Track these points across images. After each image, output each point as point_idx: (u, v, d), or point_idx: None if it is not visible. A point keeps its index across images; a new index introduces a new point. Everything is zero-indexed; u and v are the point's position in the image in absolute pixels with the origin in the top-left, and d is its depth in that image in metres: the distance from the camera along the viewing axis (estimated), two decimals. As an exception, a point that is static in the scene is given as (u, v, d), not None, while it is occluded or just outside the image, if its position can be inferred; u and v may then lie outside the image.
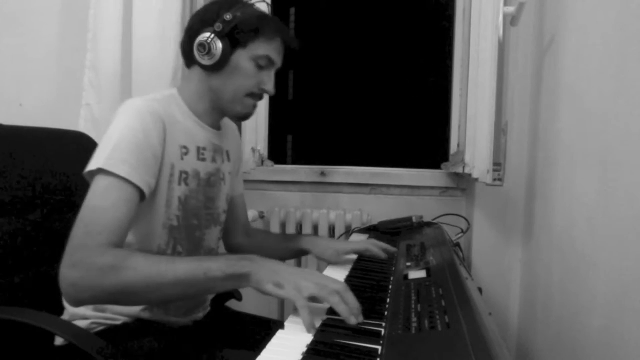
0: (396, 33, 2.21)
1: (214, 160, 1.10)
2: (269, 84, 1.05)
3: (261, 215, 1.88)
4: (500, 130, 1.43)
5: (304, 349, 0.66)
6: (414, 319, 0.74)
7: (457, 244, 1.51)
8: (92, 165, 0.87)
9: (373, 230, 1.60)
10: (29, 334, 0.94)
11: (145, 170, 0.90)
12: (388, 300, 0.87)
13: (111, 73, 1.62)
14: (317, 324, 0.75)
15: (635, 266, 0.86)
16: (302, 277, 0.79)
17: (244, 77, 1.02)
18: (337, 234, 1.80)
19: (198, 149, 1.05)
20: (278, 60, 1.06)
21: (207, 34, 0.98)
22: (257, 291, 0.80)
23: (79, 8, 1.73)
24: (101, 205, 0.84)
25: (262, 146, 1.89)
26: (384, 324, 0.75)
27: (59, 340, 0.98)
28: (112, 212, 0.84)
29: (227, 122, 1.20)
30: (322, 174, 1.90)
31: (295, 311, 0.77)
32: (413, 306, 0.80)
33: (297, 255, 1.29)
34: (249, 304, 1.29)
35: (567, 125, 1.26)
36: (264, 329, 1.13)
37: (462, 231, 1.58)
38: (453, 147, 1.84)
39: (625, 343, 0.90)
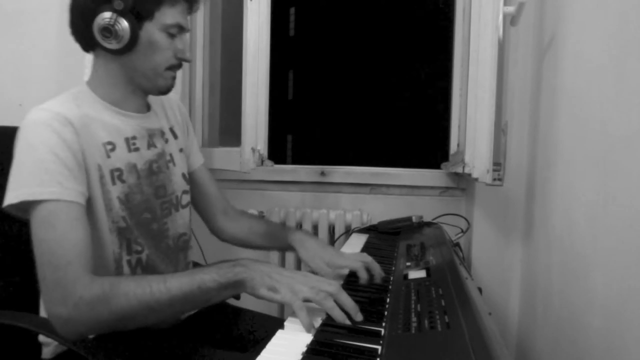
0: (396, 33, 2.21)
1: (151, 145, 1.02)
2: (186, 52, 0.99)
3: (261, 215, 1.88)
4: (500, 130, 1.43)
5: (304, 349, 0.66)
6: (414, 319, 0.74)
7: (457, 244, 1.51)
8: (12, 199, 0.80)
9: (373, 230, 1.60)
10: (15, 347, 0.93)
11: (73, 182, 0.83)
12: (388, 300, 0.87)
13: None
14: (317, 324, 0.75)
15: (635, 266, 0.86)
16: (296, 280, 0.79)
17: (160, 51, 0.94)
18: (337, 234, 1.80)
19: (127, 140, 0.97)
20: (187, 24, 0.98)
21: (108, 14, 0.88)
22: (253, 296, 0.80)
23: (79, 8, 1.73)
24: (54, 237, 0.78)
25: (262, 146, 1.89)
26: (384, 324, 0.75)
27: (46, 353, 0.95)
28: (68, 238, 0.79)
29: (160, 98, 1.09)
30: (322, 174, 1.90)
31: (294, 312, 0.78)
32: (413, 306, 0.80)
33: (284, 249, 1.21)
34: (249, 302, 1.29)
35: (567, 125, 1.26)
36: (262, 327, 1.13)
37: (462, 231, 1.58)
38: (453, 147, 1.84)
39: (625, 343, 0.89)
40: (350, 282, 0.99)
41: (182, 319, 1.07)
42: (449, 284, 0.88)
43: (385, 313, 0.80)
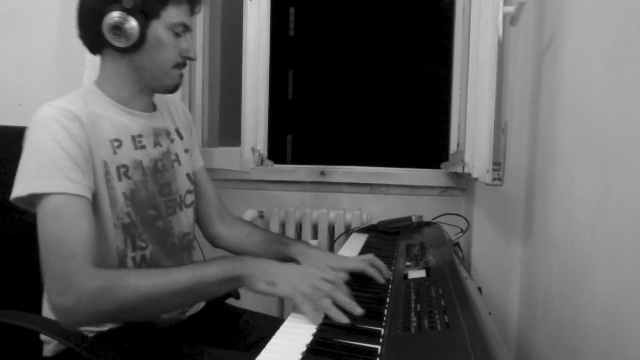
0: (396, 33, 2.21)
1: (157, 144, 1.04)
2: (192, 51, 1.01)
3: (261, 215, 1.88)
4: (500, 130, 1.43)
5: (304, 349, 0.66)
6: (414, 319, 0.74)
7: (457, 244, 1.51)
8: (20, 192, 0.82)
9: (373, 230, 1.60)
10: (17, 344, 0.93)
11: (81, 177, 0.85)
12: (388, 300, 0.87)
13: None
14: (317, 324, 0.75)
15: (635, 266, 0.86)
16: (295, 275, 0.80)
17: (167, 49, 0.97)
18: (337, 234, 1.80)
19: (134, 138, 0.99)
20: (191, 24, 1.01)
21: (117, 14, 0.91)
22: (252, 292, 0.81)
23: (79, 8, 1.73)
24: (60, 229, 0.80)
25: (262, 146, 1.89)
26: (384, 324, 0.75)
27: (48, 351, 0.96)
28: (74, 231, 0.81)
29: (166, 99, 1.13)
30: (322, 174, 1.90)
31: (295, 309, 0.78)
32: (413, 306, 0.80)
33: (283, 261, 1.21)
34: (249, 301, 1.29)
35: (567, 125, 1.26)
36: (262, 327, 1.13)
37: (462, 231, 1.58)
38: (453, 147, 1.84)
39: (625, 343, 0.89)
40: (350, 282, 0.99)
41: (183, 319, 1.07)
42: (449, 284, 0.88)
43: (385, 313, 0.80)
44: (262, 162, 1.92)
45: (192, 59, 1.02)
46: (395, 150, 2.18)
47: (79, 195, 0.84)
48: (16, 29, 1.84)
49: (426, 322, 0.72)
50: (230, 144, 1.86)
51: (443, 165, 1.85)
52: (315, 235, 1.84)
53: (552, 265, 1.33)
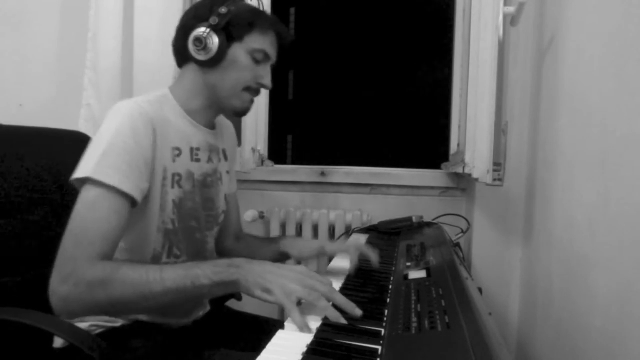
0: (396, 33, 2.21)
1: (209, 160, 1.08)
2: (266, 78, 1.04)
3: (261, 215, 1.88)
4: (500, 130, 1.43)
5: (304, 348, 0.66)
6: (414, 319, 0.74)
7: (457, 244, 1.51)
8: (80, 173, 0.86)
9: (373, 230, 1.60)
10: (28, 335, 0.93)
11: (137, 176, 0.88)
12: (388, 300, 0.87)
13: (111, 73, 1.62)
14: (318, 323, 0.75)
15: (635, 266, 0.86)
16: (289, 279, 0.80)
17: (241, 70, 1.01)
18: (337, 234, 1.80)
19: (192, 149, 1.03)
20: (273, 55, 1.05)
21: (203, 29, 0.97)
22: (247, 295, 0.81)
23: (79, 8, 1.73)
24: (91, 216, 0.83)
25: (262, 146, 1.89)
26: (384, 324, 0.75)
27: (58, 342, 0.98)
28: (103, 223, 0.83)
29: (223, 121, 1.18)
30: (322, 174, 1.90)
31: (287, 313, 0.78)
32: (413, 306, 0.80)
33: (279, 259, 1.23)
34: (249, 303, 1.29)
35: (567, 125, 1.26)
36: (264, 329, 1.13)
37: (462, 231, 1.58)
38: (453, 147, 1.84)
39: (625, 343, 0.90)
40: (350, 282, 0.99)
41: (189, 323, 1.09)
42: (449, 284, 0.88)
43: (385, 313, 0.80)
44: (262, 162, 1.92)
45: (266, 87, 1.05)
46: (395, 150, 2.18)
47: (124, 193, 0.86)
48: (16, 29, 1.84)
49: (426, 322, 0.72)
50: (230, 144, 1.86)
51: (443, 165, 1.85)
52: (315, 235, 1.84)
53: (552, 265, 1.33)
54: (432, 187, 1.86)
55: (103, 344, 0.85)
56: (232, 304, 1.24)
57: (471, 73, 1.59)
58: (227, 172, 1.17)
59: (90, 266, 0.80)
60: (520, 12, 1.39)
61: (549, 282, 1.35)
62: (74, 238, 0.82)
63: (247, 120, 1.69)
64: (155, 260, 0.98)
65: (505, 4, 1.39)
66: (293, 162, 2.14)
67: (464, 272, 0.99)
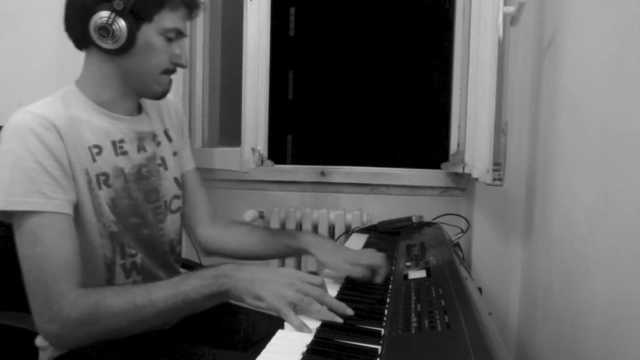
0: (396, 33, 2.21)
1: (142, 149, 0.99)
2: (183, 57, 0.96)
3: (261, 215, 1.88)
4: (500, 130, 1.43)
5: (304, 348, 0.66)
6: (414, 319, 0.74)
7: (457, 244, 1.51)
8: None
9: (373, 230, 1.60)
10: (12, 351, 0.93)
11: (57, 190, 0.81)
12: (388, 300, 0.87)
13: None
14: (317, 323, 0.75)
15: (635, 266, 0.86)
16: (280, 284, 0.79)
17: (157, 54, 0.92)
18: (337, 234, 1.80)
19: (114, 143, 0.94)
20: (185, 30, 0.97)
21: (106, 14, 0.86)
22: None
23: (79, 8, 1.73)
24: (40, 253, 0.78)
25: (262, 146, 1.89)
26: (384, 324, 0.75)
27: (43, 357, 0.95)
28: (55, 254, 0.78)
29: (154, 102, 1.06)
30: (322, 174, 1.90)
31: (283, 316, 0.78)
32: (413, 306, 0.80)
33: (295, 254, 1.18)
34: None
35: (567, 125, 1.26)
36: (262, 327, 1.13)
37: (462, 231, 1.58)
38: (453, 147, 1.84)
39: (625, 343, 0.89)
40: (350, 282, 0.99)
41: (182, 320, 1.07)
42: (449, 284, 0.88)
43: (385, 313, 0.80)
44: (262, 162, 1.92)
45: (183, 66, 0.98)
46: (395, 150, 2.18)
47: (57, 213, 0.80)
48: (16, 29, 1.84)
49: (426, 322, 0.72)
50: (230, 144, 1.87)
51: (443, 165, 1.85)
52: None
53: (552, 265, 1.33)
54: (432, 187, 1.86)
55: (98, 346, 0.84)
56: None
57: (471, 73, 1.58)
58: (175, 153, 1.08)
59: (70, 305, 0.77)
60: (520, 12, 1.39)
61: (549, 282, 1.34)
62: (36, 280, 0.77)
63: (247, 120, 1.69)
64: (109, 265, 0.93)
65: (505, 4, 1.38)
66: (293, 162, 2.14)
67: (464, 272, 0.99)
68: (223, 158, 1.83)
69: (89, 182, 0.89)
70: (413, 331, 0.70)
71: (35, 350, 0.96)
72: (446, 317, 0.72)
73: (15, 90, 1.84)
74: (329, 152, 2.18)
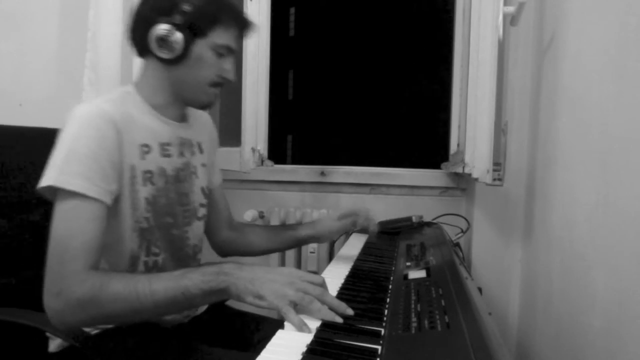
0: (396, 33, 2.21)
1: (181, 154, 1.06)
2: (231, 73, 1.03)
3: (261, 215, 1.88)
4: (500, 130, 1.43)
5: (304, 349, 0.66)
6: (414, 319, 0.74)
7: (457, 244, 1.52)
8: (44, 182, 0.85)
9: (373, 230, 1.60)
10: (23, 338, 0.94)
11: (103, 179, 0.87)
12: (388, 300, 0.87)
13: (111, 73, 1.62)
14: (317, 323, 0.75)
15: (635, 266, 0.86)
16: (281, 283, 0.79)
17: (206, 67, 0.99)
18: (337, 234, 1.80)
19: (161, 145, 1.01)
20: (237, 47, 1.04)
21: (165, 26, 0.94)
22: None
23: (79, 8, 1.73)
24: (68, 231, 0.83)
25: (262, 146, 1.89)
26: (384, 324, 0.75)
27: (53, 346, 0.97)
28: (81, 235, 0.83)
29: (197, 113, 1.16)
30: (322, 174, 1.90)
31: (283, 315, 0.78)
32: (413, 306, 0.79)
33: (299, 244, 1.31)
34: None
35: (567, 125, 1.26)
36: (262, 327, 1.13)
37: (462, 231, 1.58)
38: (453, 147, 1.84)
39: (625, 343, 0.89)
40: (350, 282, 0.99)
41: (185, 321, 1.08)
42: (449, 284, 0.88)
43: (385, 313, 0.80)
44: (262, 162, 1.92)
45: (230, 81, 1.04)
46: (395, 150, 2.19)
47: (96, 199, 0.85)
48: (16, 29, 1.84)
49: (426, 322, 0.72)
50: (230, 144, 1.86)
51: (443, 165, 1.85)
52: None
53: (552, 265, 1.33)
54: (432, 187, 1.86)
55: (100, 344, 0.85)
56: (232, 302, 1.24)
57: (471, 73, 1.59)
58: (203, 165, 1.14)
59: (78, 282, 0.80)
60: (520, 12, 1.39)
61: (549, 282, 1.34)
62: (57, 254, 0.82)
63: (247, 120, 1.69)
64: (134, 259, 0.98)
65: (505, 4, 1.39)
66: (293, 162, 2.14)
67: (464, 272, 0.99)
68: (223, 158, 1.82)
69: (133, 177, 0.94)
70: (413, 331, 0.70)
71: (43, 343, 0.97)
72: (446, 317, 0.72)
73: (15, 90, 1.84)
74: (329, 152, 2.18)
